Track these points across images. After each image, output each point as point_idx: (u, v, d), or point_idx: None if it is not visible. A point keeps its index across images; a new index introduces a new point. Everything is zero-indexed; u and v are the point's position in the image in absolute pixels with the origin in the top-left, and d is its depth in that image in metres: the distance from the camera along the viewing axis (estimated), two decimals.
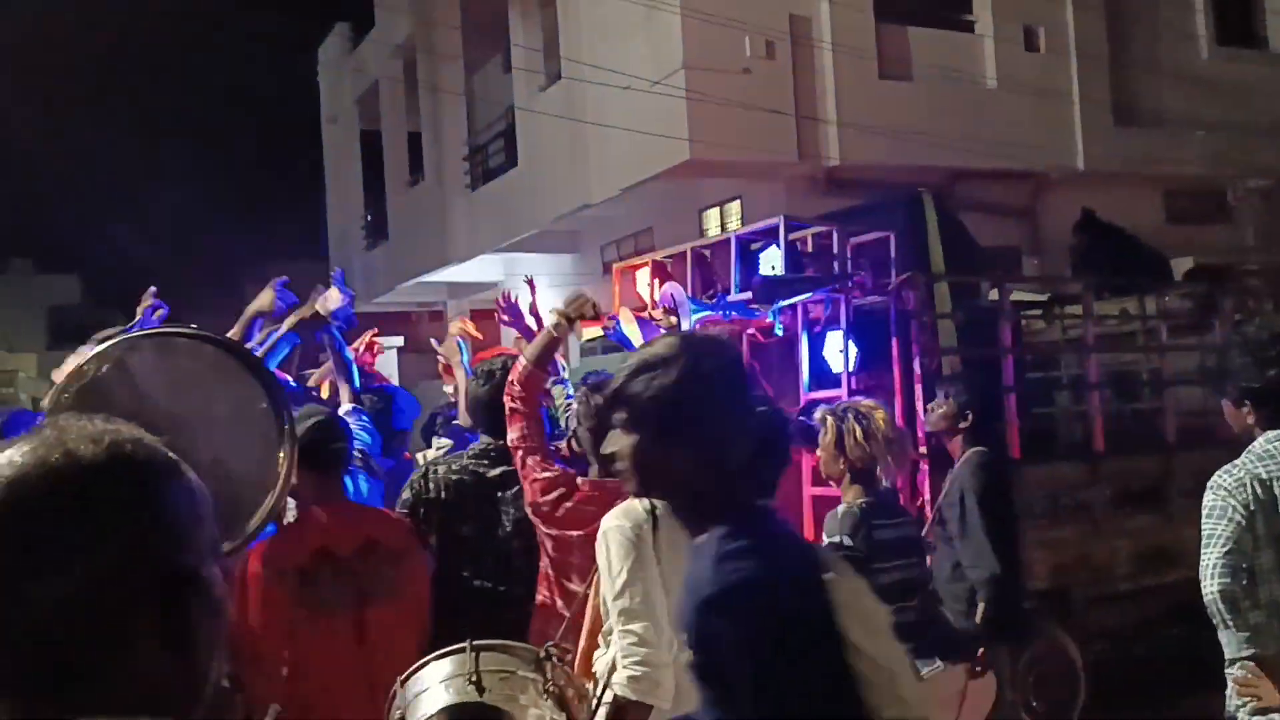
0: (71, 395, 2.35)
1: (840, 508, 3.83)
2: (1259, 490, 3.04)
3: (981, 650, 4.25)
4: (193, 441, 2.48)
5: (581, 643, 3.14)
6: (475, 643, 2.85)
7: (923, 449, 5.41)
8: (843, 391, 5.59)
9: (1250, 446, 3.18)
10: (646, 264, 6.89)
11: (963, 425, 4.80)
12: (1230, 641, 2.98)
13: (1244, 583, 2.96)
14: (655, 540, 2.77)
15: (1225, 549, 2.97)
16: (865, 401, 4.00)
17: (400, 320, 22.29)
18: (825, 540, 3.76)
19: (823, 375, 5.97)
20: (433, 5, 18.56)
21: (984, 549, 4.38)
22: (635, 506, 2.84)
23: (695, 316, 5.45)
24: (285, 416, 2.60)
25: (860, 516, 3.72)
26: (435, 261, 19.27)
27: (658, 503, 2.79)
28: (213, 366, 2.53)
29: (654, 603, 2.72)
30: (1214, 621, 3.01)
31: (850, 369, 5.78)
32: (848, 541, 3.66)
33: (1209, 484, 3.12)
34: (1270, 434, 3.15)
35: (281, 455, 2.49)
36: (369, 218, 23.48)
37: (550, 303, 5.98)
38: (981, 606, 4.35)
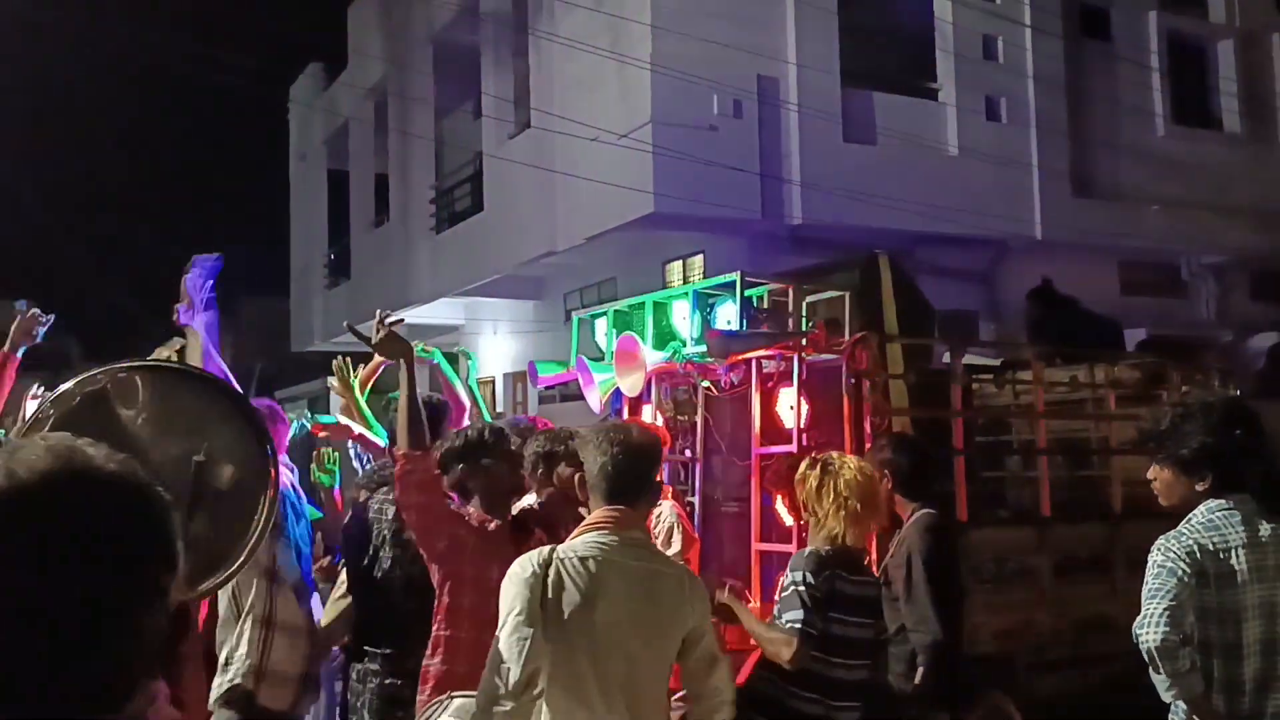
0: (54, 421, 2.30)
1: (806, 549, 3.83)
2: (1202, 558, 3.02)
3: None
4: (175, 477, 2.42)
5: None
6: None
7: None
8: (794, 447, 5.59)
9: (1190, 516, 3.14)
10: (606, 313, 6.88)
11: (893, 485, 4.70)
12: (1161, 685, 3.00)
13: (1184, 634, 2.97)
14: (546, 584, 2.82)
15: (1171, 601, 2.96)
16: (834, 454, 4.03)
17: (358, 360, 22.16)
18: (789, 577, 3.74)
19: (774, 431, 5.98)
20: (406, 50, 18.67)
21: (927, 613, 4.33)
22: (534, 553, 2.91)
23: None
24: (270, 459, 2.54)
25: (824, 559, 3.72)
26: (397, 302, 19.15)
27: (563, 551, 2.90)
28: (201, 403, 2.48)
29: (526, 643, 2.75)
30: (1150, 666, 3.00)
31: (801, 425, 5.79)
32: (810, 579, 3.65)
33: (1155, 545, 3.09)
34: (1211, 503, 3.12)
35: (263, 499, 2.44)
36: (332, 256, 23.40)
37: (509, 346, 6.06)
38: (920, 671, 4.30)
